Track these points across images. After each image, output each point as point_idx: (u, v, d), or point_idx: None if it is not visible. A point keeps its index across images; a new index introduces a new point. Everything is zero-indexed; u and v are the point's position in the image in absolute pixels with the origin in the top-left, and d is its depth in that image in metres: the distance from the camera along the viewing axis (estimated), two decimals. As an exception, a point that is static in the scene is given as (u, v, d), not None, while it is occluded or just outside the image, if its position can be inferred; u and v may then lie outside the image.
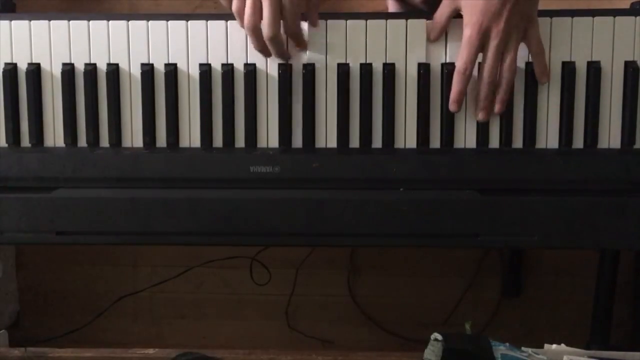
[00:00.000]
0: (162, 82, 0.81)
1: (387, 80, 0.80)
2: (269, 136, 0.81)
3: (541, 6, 0.79)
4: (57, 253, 1.42)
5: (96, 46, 0.81)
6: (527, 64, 0.79)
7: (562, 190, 0.78)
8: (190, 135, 0.81)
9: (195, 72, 0.81)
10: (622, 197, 0.77)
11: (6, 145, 0.82)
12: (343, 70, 0.80)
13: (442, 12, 0.79)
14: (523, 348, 0.98)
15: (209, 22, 0.81)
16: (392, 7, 1.10)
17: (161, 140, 0.81)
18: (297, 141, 0.81)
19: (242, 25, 0.78)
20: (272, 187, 0.78)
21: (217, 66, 0.80)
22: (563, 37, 0.79)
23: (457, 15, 0.79)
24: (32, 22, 0.81)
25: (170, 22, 0.81)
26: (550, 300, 1.37)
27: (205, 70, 0.80)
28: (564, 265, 1.36)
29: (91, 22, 0.81)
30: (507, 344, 0.98)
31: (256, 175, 0.78)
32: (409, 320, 1.38)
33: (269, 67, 0.80)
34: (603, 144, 0.80)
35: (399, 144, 0.81)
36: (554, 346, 1.00)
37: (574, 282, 1.35)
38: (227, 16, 0.82)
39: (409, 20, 0.80)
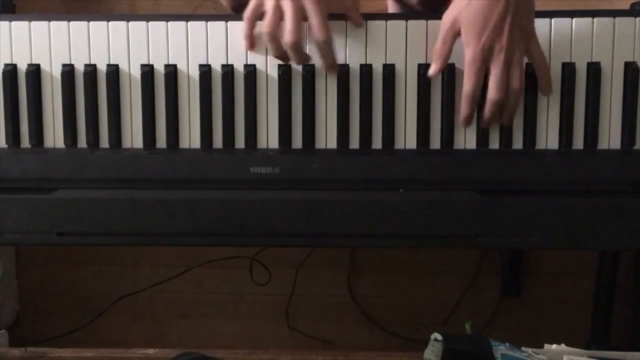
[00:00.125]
0: (162, 83, 0.81)
1: (387, 81, 0.80)
2: (269, 137, 0.81)
3: (541, 6, 0.79)
4: (57, 253, 1.42)
5: (96, 47, 0.81)
6: (527, 64, 0.79)
7: (562, 191, 0.78)
8: (190, 136, 0.81)
9: (195, 73, 0.81)
10: (622, 198, 0.77)
11: (6, 146, 0.82)
12: (343, 71, 0.80)
13: (444, 41, 0.77)
14: (523, 348, 0.98)
15: (209, 22, 0.80)
16: (391, 7, 1.10)
17: (161, 141, 0.81)
18: (297, 142, 0.81)
19: (247, 32, 0.78)
20: (272, 187, 0.78)
21: (217, 67, 0.80)
22: (563, 38, 0.79)
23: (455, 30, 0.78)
24: (32, 22, 0.81)
25: (170, 22, 0.81)
26: (550, 300, 1.37)
27: (205, 71, 0.80)
28: (564, 265, 1.36)
29: (91, 22, 0.81)
30: (507, 344, 0.98)
31: (256, 176, 0.78)
32: (409, 320, 1.38)
33: (269, 67, 0.80)
34: (603, 144, 0.80)
35: (399, 144, 0.81)
36: (554, 346, 1.00)
37: (574, 282, 1.35)
38: (227, 17, 0.82)
39: (409, 21, 0.80)
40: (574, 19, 0.79)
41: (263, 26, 0.76)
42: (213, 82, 0.80)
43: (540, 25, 0.79)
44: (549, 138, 0.80)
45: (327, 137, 0.81)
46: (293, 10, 0.74)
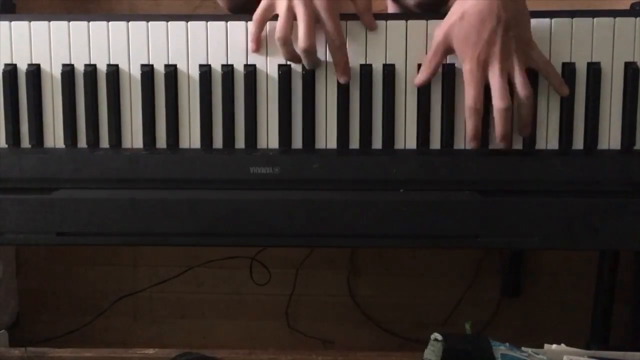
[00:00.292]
0: (162, 83, 0.81)
1: (387, 81, 0.80)
2: (269, 137, 0.81)
3: (541, 6, 0.79)
4: (57, 253, 1.42)
5: (96, 47, 0.81)
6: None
7: (562, 191, 0.78)
8: (190, 136, 0.81)
9: (195, 73, 0.81)
10: (622, 198, 0.77)
11: (6, 146, 0.82)
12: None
13: (435, 54, 0.77)
14: (523, 348, 0.98)
15: (209, 22, 0.80)
16: (391, 8, 1.09)
17: (161, 141, 0.81)
18: (297, 142, 0.81)
19: (255, 35, 0.78)
20: (272, 188, 0.78)
21: (217, 67, 0.80)
22: (563, 38, 0.79)
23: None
24: (32, 22, 0.81)
25: (170, 22, 0.81)
26: (550, 300, 1.37)
27: (205, 71, 0.80)
28: (564, 265, 1.36)
29: (91, 22, 0.81)
30: (507, 344, 0.98)
31: (256, 176, 0.78)
32: (409, 320, 1.38)
33: (269, 67, 0.80)
34: (603, 145, 0.80)
35: (399, 144, 0.81)
36: (554, 346, 1.00)
37: (574, 282, 1.35)
38: (227, 17, 0.82)
39: (409, 21, 0.80)
40: (574, 19, 0.79)
41: (275, 30, 0.76)
42: (213, 82, 0.80)
43: (540, 25, 0.79)
44: (549, 138, 0.80)
45: (327, 137, 0.81)
46: (306, 15, 0.74)
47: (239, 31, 0.80)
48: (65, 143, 0.81)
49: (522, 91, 0.76)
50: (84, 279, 1.42)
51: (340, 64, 0.78)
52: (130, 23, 0.81)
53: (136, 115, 0.81)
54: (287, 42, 0.76)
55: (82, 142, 0.82)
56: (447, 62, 0.80)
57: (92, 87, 0.81)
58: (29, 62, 0.81)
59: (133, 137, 0.81)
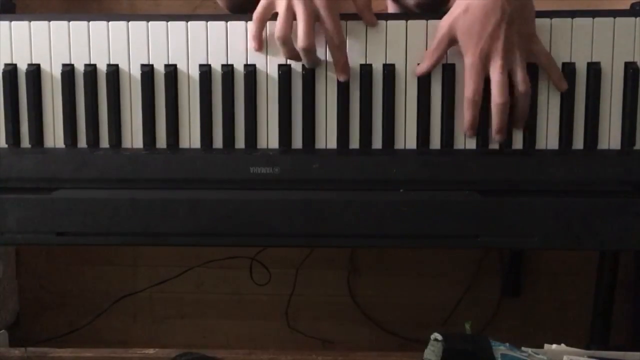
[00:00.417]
0: (162, 83, 0.81)
1: (387, 81, 0.80)
2: (269, 137, 0.81)
3: (541, 6, 0.79)
4: (57, 253, 1.42)
5: (96, 47, 0.81)
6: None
7: (562, 191, 0.78)
8: (190, 136, 0.81)
9: (195, 73, 0.81)
10: (622, 198, 0.77)
11: (6, 146, 0.82)
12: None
13: (438, 46, 0.78)
14: (523, 348, 0.98)
15: (209, 22, 0.80)
16: (391, 8, 1.10)
17: (161, 141, 0.81)
18: (297, 142, 0.81)
19: (256, 33, 0.78)
20: (272, 188, 0.78)
21: (217, 67, 0.80)
22: (563, 38, 0.79)
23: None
24: (32, 22, 0.81)
25: (170, 22, 0.81)
26: (550, 300, 1.37)
27: (205, 71, 0.80)
28: (564, 265, 1.36)
29: (91, 22, 0.81)
30: (507, 344, 0.98)
31: (256, 176, 0.78)
32: (409, 320, 1.38)
33: (269, 67, 0.80)
34: (603, 145, 0.80)
35: (399, 144, 0.81)
36: (554, 346, 1.00)
37: (574, 282, 1.35)
38: (227, 17, 0.82)
39: (409, 21, 0.80)
40: (574, 19, 0.79)
41: (275, 29, 0.76)
42: (213, 82, 0.80)
43: (540, 25, 0.79)
44: (549, 138, 0.80)
45: (327, 137, 0.81)
46: (306, 14, 0.74)
47: (239, 31, 0.80)
48: (65, 143, 0.81)
49: (522, 87, 0.76)
50: (84, 279, 1.42)
51: (340, 63, 0.78)
52: (130, 23, 0.81)
53: (136, 115, 0.81)
54: (287, 41, 0.76)
55: (82, 142, 0.82)
56: (448, 62, 0.80)
57: (92, 87, 0.81)
58: (29, 62, 0.81)
59: (133, 137, 0.81)
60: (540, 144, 0.80)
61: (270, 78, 0.80)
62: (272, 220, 0.78)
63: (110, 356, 1.14)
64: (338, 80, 0.80)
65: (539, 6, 0.79)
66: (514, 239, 0.78)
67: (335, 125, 0.80)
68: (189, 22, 0.80)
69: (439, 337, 0.95)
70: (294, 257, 1.38)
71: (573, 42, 0.79)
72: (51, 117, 0.82)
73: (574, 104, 0.80)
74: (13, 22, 0.81)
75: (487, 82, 0.77)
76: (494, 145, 0.80)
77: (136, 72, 0.81)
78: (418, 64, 0.80)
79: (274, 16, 0.77)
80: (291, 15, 0.75)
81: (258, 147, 0.81)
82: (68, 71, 0.81)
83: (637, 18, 0.79)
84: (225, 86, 0.80)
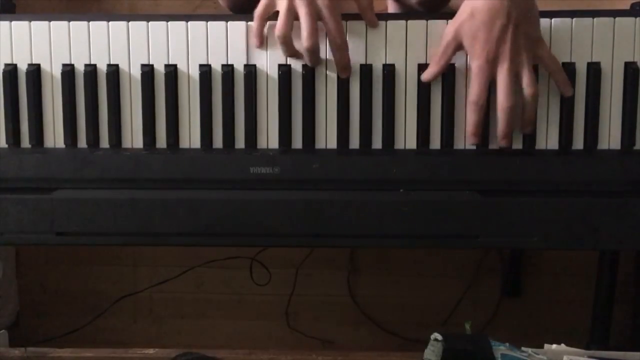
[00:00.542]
0: (162, 83, 0.81)
1: (387, 81, 0.80)
2: (269, 137, 0.81)
3: (541, 6, 0.79)
4: (57, 253, 1.42)
5: (96, 47, 0.81)
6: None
7: (562, 191, 0.78)
8: (190, 136, 0.81)
9: (195, 73, 0.80)
10: (622, 198, 0.77)
11: (6, 146, 0.82)
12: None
13: (444, 51, 0.77)
14: (523, 348, 0.99)
15: (209, 22, 0.80)
16: (391, 8, 1.10)
17: (161, 141, 0.81)
18: (297, 142, 0.81)
19: (257, 31, 0.78)
20: (272, 188, 0.78)
21: (217, 67, 0.80)
22: (563, 38, 0.79)
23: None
24: (32, 22, 0.81)
25: (170, 22, 0.80)
26: (550, 300, 1.37)
27: (206, 71, 0.80)
28: (564, 265, 1.36)
29: (91, 22, 0.81)
30: (507, 344, 0.98)
31: (256, 176, 0.78)
32: (409, 320, 1.38)
33: (269, 67, 0.80)
34: (603, 145, 0.80)
35: (399, 144, 0.80)
36: (554, 346, 1.00)
37: (574, 282, 1.35)
38: (227, 17, 0.82)
39: (409, 21, 0.80)
40: (574, 19, 0.79)
41: (275, 27, 0.76)
42: (213, 82, 0.80)
43: (541, 25, 0.78)
44: (549, 138, 0.80)
45: (327, 137, 0.81)
46: (309, 14, 0.74)
47: (239, 31, 0.80)
48: (65, 143, 0.81)
49: (529, 90, 0.76)
50: (84, 279, 1.42)
51: (341, 63, 0.78)
52: (130, 23, 0.81)
53: (136, 115, 0.81)
54: (287, 40, 0.76)
55: (82, 142, 0.81)
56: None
57: (92, 87, 0.81)
58: (29, 62, 0.81)
59: (133, 137, 0.81)
60: (540, 144, 0.80)
61: (270, 78, 0.80)
62: (272, 220, 0.78)
63: (110, 356, 1.14)
64: (338, 81, 0.79)
65: (539, 6, 0.79)
66: (514, 239, 0.78)
67: (335, 125, 0.80)
68: (189, 22, 0.80)
69: (439, 337, 0.96)
70: (294, 257, 1.38)
71: (573, 42, 0.79)
72: (51, 117, 0.82)
73: (574, 104, 0.79)
74: (13, 22, 0.81)
75: (490, 85, 0.77)
76: (494, 145, 0.80)
77: (136, 72, 0.81)
78: (418, 64, 0.80)
79: (275, 15, 0.77)
80: (292, 15, 0.75)
81: (258, 147, 0.81)
82: (68, 71, 0.81)
83: (637, 18, 0.79)
84: (225, 86, 0.80)
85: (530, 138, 0.80)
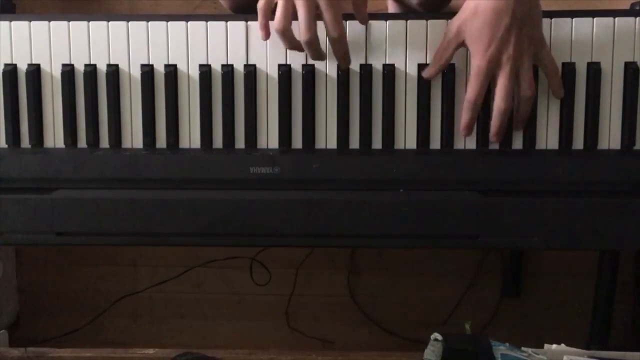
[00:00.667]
0: (162, 83, 0.81)
1: (387, 81, 0.80)
2: (269, 137, 0.81)
3: (541, 6, 0.79)
4: (57, 253, 1.42)
5: (96, 47, 0.81)
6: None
7: (562, 191, 0.78)
8: (190, 136, 0.81)
9: (195, 73, 0.80)
10: (622, 198, 0.77)
11: (6, 146, 0.82)
12: (343, 71, 0.80)
13: (446, 48, 0.77)
14: (523, 348, 0.99)
15: (209, 22, 0.80)
16: (391, 7, 1.10)
17: (161, 141, 0.81)
18: (297, 142, 0.81)
19: (263, 22, 0.77)
20: (272, 187, 0.78)
21: (217, 67, 0.80)
22: (563, 38, 0.79)
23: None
24: (32, 22, 0.81)
25: (170, 22, 0.80)
26: (550, 300, 1.37)
27: (205, 71, 0.80)
28: (564, 265, 1.36)
29: (91, 22, 0.81)
30: (507, 344, 0.98)
31: (256, 176, 0.78)
32: (409, 320, 1.38)
33: (269, 67, 0.80)
34: (603, 145, 0.80)
35: (399, 144, 0.80)
36: (554, 346, 1.00)
37: (574, 282, 1.35)
38: (227, 17, 0.82)
39: (409, 21, 0.80)
40: (574, 19, 0.79)
41: (274, 21, 0.75)
42: (213, 82, 0.80)
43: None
44: (549, 138, 0.80)
45: (327, 137, 0.81)
46: (307, 6, 0.73)
47: (239, 31, 0.80)
48: (65, 143, 0.81)
49: (527, 91, 0.76)
50: (84, 279, 1.42)
51: (339, 54, 0.77)
52: (130, 23, 0.81)
53: (136, 115, 0.81)
54: (287, 32, 0.75)
55: (82, 142, 0.81)
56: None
57: (92, 87, 0.81)
58: (29, 62, 0.81)
59: (133, 137, 0.81)
60: (540, 144, 0.80)
61: (270, 78, 0.80)
62: (272, 220, 0.78)
63: (110, 356, 1.14)
64: (338, 80, 0.79)
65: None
66: (514, 239, 0.78)
67: (335, 125, 0.80)
68: (189, 22, 0.80)
69: (439, 337, 0.96)
70: (294, 257, 1.38)
71: (573, 42, 0.79)
72: (51, 117, 0.82)
73: (574, 104, 0.79)
74: (13, 22, 0.81)
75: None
76: (494, 145, 0.80)
77: (136, 72, 0.81)
78: (418, 64, 0.79)
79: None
80: (290, 7, 0.74)
81: (258, 147, 0.81)
82: (68, 71, 0.81)
83: (637, 18, 0.79)
84: (225, 86, 0.80)
85: (530, 138, 0.80)
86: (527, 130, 0.80)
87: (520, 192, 0.78)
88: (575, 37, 0.79)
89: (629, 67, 0.79)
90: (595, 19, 0.79)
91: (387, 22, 0.80)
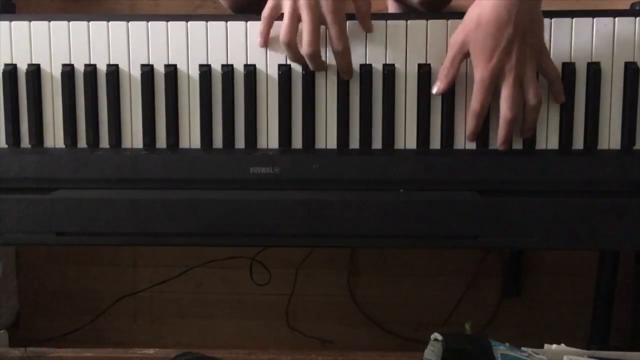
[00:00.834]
0: (162, 83, 0.81)
1: (387, 81, 0.80)
2: (269, 137, 0.81)
3: (541, 6, 0.79)
4: (57, 253, 1.42)
5: (96, 47, 0.81)
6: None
7: (562, 191, 0.78)
8: (190, 136, 0.81)
9: (195, 73, 0.80)
10: (622, 198, 0.77)
11: (6, 146, 0.82)
12: (343, 71, 0.80)
13: (452, 62, 0.77)
14: (523, 348, 0.98)
15: (209, 22, 0.80)
16: (392, 7, 1.10)
17: (161, 141, 0.81)
18: (297, 142, 0.81)
19: (264, 30, 0.78)
20: (272, 188, 0.78)
21: (217, 67, 0.80)
22: (563, 38, 0.79)
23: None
24: (32, 22, 0.81)
25: (170, 22, 0.80)
26: (550, 300, 1.37)
27: (205, 71, 0.80)
28: (564, 266, 1.36)
29: (91, 22, 0.81)
30: (507, 344, 0.98)
31: (256, 176, 0.78)
32: (409, 320, 1.38)
33: (269, 67, 0.80)
34: (603, 145, 0.80)
35: (399, 144, 0.80)
36: (554, 346, 1.00)
37: (574, 282, 1.35)
38: (227, 17, 0.82)
39: (409, 21, 0.80)
40: (574, 19, 0.79)
41: (280, 32, 0.75)
42: (213, 82, 0.80)
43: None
44: (549, 138, 0.80)
45: (327, 137, 0.81)
46: (311, 20, 0.74)
47: (239, 31, 0.80)
48: (65, 143, 0.81)
49: (533, 100, 0.76)
50: (84, 279, 1.42)
51: (342, 67, 0.78)
52: (130, 23, 0.81)
53: (136, 115, 0.81)
54: (292, 45, 0.76)
55: (82, 142, 0.81)
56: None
57: (92, 87, 0.81)
58: (29, 62, 0.81)
59: (133, 137, 0.81)
60: (540, 144, 0.80)
61: (270, 78, 0.80)
62: (272, 220, 0.78)
63: (110, 356, 1.14)
64: (338, 81, 0.79)
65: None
66: (514, 239, 0.78)
67: (335, 125, 0.80)
68: (189, 22, 0.80)
69: (439, 337, 0.96)
70: (294, 257, 1.38)
71: (573, 42, 0.79)
72: (51, 117, 0.82)
73: (574, 104, 0.79)
74: (13, 22, 0.81)
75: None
76: (494, 145, 0.80)
77: (136, 72, 0.81)
78: (418, 64, 0.79)
79: (281, 16, 0.77)
80: (296, 19, 0.75)
81: (258, 147, 0.81)
82: (68, 71, 0.81)
83: (637, 18, 0.79)
84: (225, 86, 0.80)
85: (530, 138, 0.80)
86: (527, 130, 0.80)
87: (520, 192, 0.78)
88: (575, 37, 0.79)
89: (629, 67, 0.79)
90: (595, 19, 0.79)
91: (387, 22, 0.80)
